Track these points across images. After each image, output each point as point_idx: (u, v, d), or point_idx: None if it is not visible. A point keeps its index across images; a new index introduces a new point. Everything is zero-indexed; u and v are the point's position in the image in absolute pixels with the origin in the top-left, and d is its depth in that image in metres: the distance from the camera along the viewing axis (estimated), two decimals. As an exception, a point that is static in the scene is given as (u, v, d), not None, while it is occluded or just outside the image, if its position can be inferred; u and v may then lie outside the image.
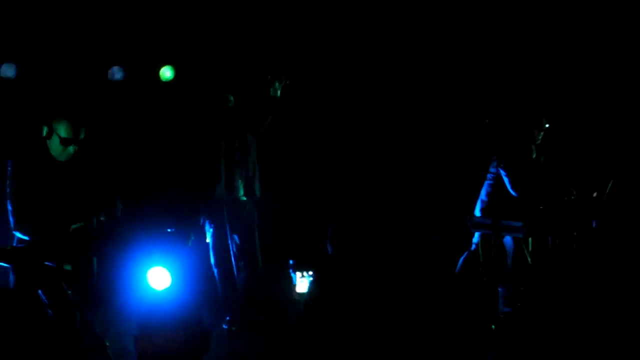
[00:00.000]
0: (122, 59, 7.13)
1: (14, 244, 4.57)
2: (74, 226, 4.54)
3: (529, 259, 6.49)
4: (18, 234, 4.57)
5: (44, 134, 4.63)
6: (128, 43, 7.25)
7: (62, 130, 4.61)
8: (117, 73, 7.04)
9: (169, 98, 7.36)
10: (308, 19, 7.80)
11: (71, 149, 4.65)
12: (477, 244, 6.74)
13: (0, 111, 6.76)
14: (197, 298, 5.79)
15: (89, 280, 4.73)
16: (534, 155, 6.68)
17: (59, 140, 4.61)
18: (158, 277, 5.74)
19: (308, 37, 7.91)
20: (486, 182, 6.72)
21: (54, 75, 6.87)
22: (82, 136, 4.67)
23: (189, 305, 5.62)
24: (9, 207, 4.57)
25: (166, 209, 6.43)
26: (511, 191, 6.49)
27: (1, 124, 6.73)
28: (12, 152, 4.68)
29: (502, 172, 6.52)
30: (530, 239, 6.55)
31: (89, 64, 7.03)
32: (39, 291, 4.53)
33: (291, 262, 6.37)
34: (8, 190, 4.58)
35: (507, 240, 6.53)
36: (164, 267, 5.71)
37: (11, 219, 4.57)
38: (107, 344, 4.73)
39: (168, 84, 7.37)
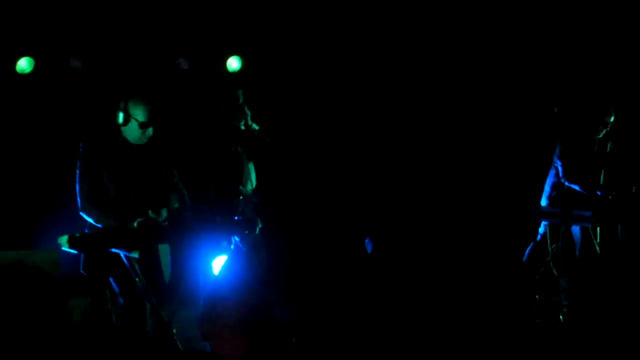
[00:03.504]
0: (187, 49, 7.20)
1: (86, 231, 4.64)
2: (139, 219, 4.56)
3: (598, 250, 6.39)
4: (85, 216, 4.63)
5: (120, 120, 4.67)
6: (191, 34, 7.31)
7: (140, 115, 4.65)
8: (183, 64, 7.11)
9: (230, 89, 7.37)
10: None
11: (150, 130, 4.70)
12: (542, 235, 6.67)
13: (74, 96, 6.86)
14: (260, 285, 5.83)
15: (157, 268, 4.78)
16: (596, 148, 6.56)
17: (137, 124, 4.66)
18: (222, 265, 5.80)
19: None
20: (551, 172, 6.64)
21: (125, 62, 6.97)
22: (158, 119, 4.72)
23: (252, 291, 5.65)
24: (77, 188, 4.63)
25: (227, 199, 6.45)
26: (562, 179, 6.43)
27: (75, 109, 6.83)
28: (84, 135, 4.73)
29: (557, 161, 6.48)
30: (598, 229, 6.46)
31: (157, 53, 7.12)
32: (110, 278, 4.59)
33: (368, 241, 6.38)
34: (77, 171, 4.64)
35: (575, 230, 6.43)
36: (228, 255, 5.77)
37: (79, 199, 4.64)
38: (174, 330, 4.77)
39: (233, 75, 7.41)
